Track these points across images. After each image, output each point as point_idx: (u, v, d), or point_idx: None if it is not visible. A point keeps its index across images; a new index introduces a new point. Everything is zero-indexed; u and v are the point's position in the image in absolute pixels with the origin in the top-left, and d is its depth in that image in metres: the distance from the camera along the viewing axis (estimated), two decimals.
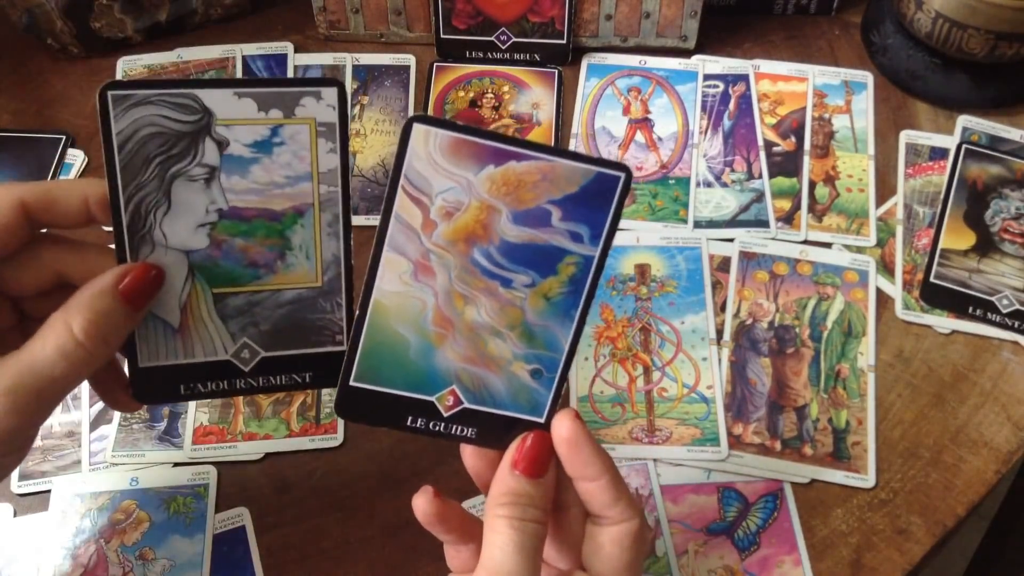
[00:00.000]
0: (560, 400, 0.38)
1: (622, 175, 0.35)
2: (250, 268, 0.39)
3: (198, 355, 0.39)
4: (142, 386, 0.40)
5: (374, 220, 0.62)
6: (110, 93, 0.36)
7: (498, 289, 0.36)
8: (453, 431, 0.38)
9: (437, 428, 0.38)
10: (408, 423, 0.38)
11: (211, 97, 0.37)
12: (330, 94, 0.38)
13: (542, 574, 0.40)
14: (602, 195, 0.35)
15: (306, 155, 0.38)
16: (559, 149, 0.35)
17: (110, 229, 0.38)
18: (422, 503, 0.38)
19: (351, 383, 0.38)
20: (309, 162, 0.38)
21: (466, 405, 0.38)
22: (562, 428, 0.37)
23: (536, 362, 0.37)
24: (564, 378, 0.38)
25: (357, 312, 0.37)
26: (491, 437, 0.38)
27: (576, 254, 0.36)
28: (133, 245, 0.38)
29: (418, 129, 0.34)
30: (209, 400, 0.53)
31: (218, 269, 0.39)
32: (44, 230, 0.40)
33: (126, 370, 0.40)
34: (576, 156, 0.35)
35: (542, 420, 0.38)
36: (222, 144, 0.37)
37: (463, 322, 0.37)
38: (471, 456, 0.39)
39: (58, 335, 0.35)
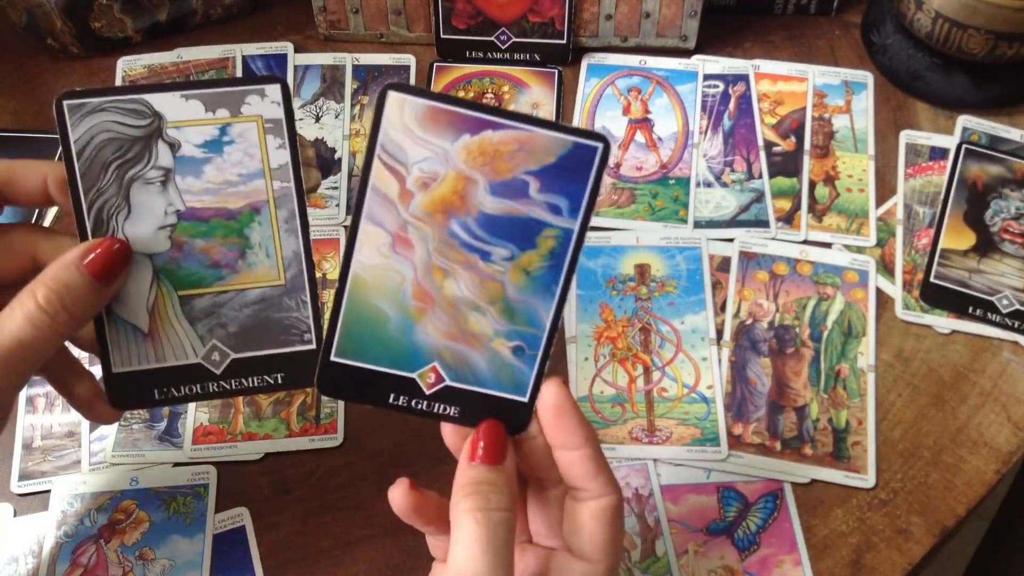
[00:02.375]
0: (543, 378, 0.37)
1: (600, 145, 0.34)
2: (213, 268, 0.40)
3: (169, 359, 0.40)
4: (118, 392, 0.40)
5: None
6: (65, 103, 0.37)
7: (478, 263, 0.36)
8: (436, 409, 0.38)
9: (419, 406, 0.38)
10: (391, 400, 0.37)
11: (160, 101, 0.38)
12: (273, 91, 0.39)
13: (530, 553, 0.39)
14: (580, 166, 0.35)
15: (256, 152, 0.39)
16: (535, 118, 0.34)
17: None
18: (398, 495, 0.37)
19: (331, 358, 0.37)
20: (260, 159, 0.39)
21: (448, 383, 0.37)
22: (548, 395, 0.36)
23: (518, 339, 0.37)
24: (547, 356, 0.37)
25: (336, 284, 0.36)
26: (474, 416, 0.37)
27: (555, 227, 0.36)
28: None
29: (393, 97, 0.34)
30: (208, 402, 0.53)
31: (181, 271, 0.39)
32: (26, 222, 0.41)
33: (101, 380, 0.40)
34: (552, 125, 0.34)
35: (525, 399, 0.37)
36: (174, 146, 0.38)
37: (443, 297, 0.36)
38: (450, 433, 0.39)
39: (23, 303, 0.37)
